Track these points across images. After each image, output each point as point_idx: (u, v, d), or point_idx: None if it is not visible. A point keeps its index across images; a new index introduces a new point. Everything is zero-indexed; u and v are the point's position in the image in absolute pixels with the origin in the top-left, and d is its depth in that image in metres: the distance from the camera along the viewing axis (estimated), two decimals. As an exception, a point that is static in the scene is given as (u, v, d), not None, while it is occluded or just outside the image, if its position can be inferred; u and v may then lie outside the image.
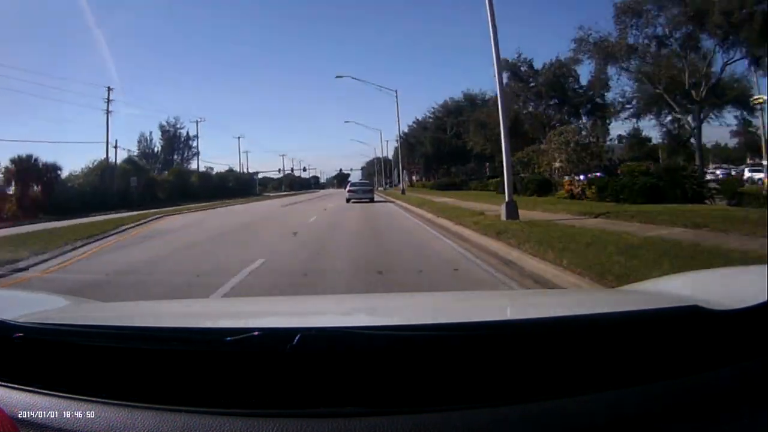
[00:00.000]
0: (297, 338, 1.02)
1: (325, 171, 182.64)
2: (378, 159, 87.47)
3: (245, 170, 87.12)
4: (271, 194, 79.25)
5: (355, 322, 1.59)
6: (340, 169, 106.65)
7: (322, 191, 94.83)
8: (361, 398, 1.01)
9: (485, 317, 1.57)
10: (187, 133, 69.68)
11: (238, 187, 69.10)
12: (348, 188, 33.23)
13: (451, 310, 1.82)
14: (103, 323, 1.46)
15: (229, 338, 1.06)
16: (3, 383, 1.12)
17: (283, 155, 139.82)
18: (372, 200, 30.80)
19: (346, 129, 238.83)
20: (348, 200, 30.07)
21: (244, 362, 1.07)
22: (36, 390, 1.09)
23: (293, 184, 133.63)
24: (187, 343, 1.14)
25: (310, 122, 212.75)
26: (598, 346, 1.10)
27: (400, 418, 0.96)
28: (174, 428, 0.98)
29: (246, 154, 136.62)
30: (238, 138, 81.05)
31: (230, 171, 76.86)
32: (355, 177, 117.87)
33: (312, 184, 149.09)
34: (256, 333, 1.06)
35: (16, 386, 1.10)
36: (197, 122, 68.49)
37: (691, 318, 1.12)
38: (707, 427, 0.99)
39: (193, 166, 68.83)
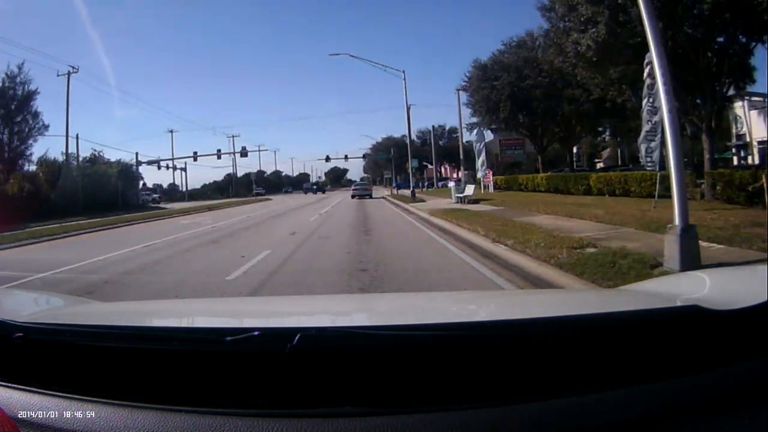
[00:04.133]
0: (297, 338, 1.02)
1: (320, 168, 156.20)
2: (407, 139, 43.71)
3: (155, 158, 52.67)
4: (177, 207, 37.97)
5: (355, 322, 1.60)
6: (327, 156, 67.51)
7: (279, 201, 44.43)
8: (361, 398, 1.01)
9: (485, 317, 1.57)
10: (24, 90, 33.70)
11: (56, 192, 30.91)
12: (353, 188, 42.32)
13: (450, 310, 1.82)
14: (103, 323, 1.47)
15: (229, 338, 1.06)
16: (3, 383, 1.12)
17: (233, 136, 74.30)
18: (370, 196, 37.42)
19: (345, 124, 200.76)
20: (353, 196, 37.48)
21: (244, 362, 1.07)
22: (36, 390, 1.09)
23: (260, 183, 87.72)
24: (186, 343, 1.15)
25: (299, 112, 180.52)
26: (598, 345, 1.10)
27: (399, 418, 0.96)
28: (174, 428, 0.98)
29: (171, 135, 72.33)
30: (68, 74, 35.90)
31: (106, 162, 40.21)
32: (353, 174, 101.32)
33: (299, 184, 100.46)
34: (255, 333, 1.06)
35: (16, 386, 1.11)
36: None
37: (691, 318, 1.12)
38: (707, 427, 0.99)
39: (38, 151, 37.76)
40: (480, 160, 25.36)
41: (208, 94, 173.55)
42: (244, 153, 67.92)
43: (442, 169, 62.82)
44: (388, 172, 66.57)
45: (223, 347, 1.07)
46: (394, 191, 44.52)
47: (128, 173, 44.36)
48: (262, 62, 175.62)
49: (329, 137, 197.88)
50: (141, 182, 52.79)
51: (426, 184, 49.17)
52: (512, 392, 1.02)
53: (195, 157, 63.26)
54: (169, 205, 45.18)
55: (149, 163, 55.74)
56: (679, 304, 1.28)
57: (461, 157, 45.15)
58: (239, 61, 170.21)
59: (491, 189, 22.22)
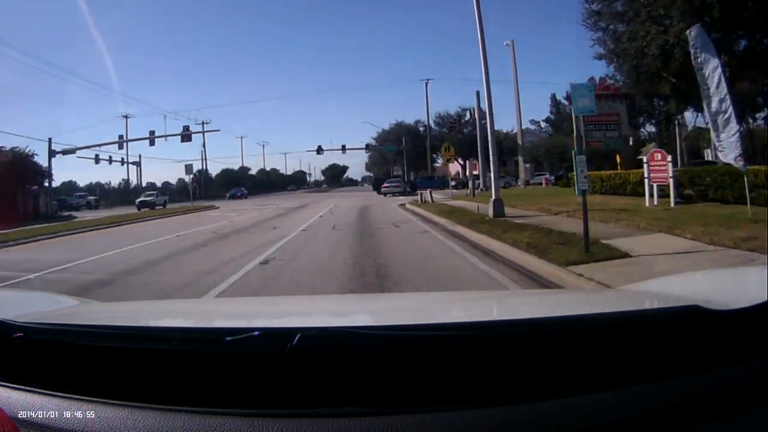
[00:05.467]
0: (297, 338, 1.02)
1: (318, 164, 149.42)
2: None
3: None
4: (86, 219, 26.07)
5: (355, 322, 1.59)
6: (319, 147, 56.00)
7: (219, 214, 25.29)
8: (360, 398, 1.01)
9: (485, 317, 1.57)
10: None
11: None
12: (384, 185, 41.98)
13: (450, 310, 1.82)
14: (102, 323, 1.47)
15: (229, 338, 1.06)
16: (3, 383, 1.12)
17: (203, 122, 55.97)
18: (402, 193, 37.16)
19: (344, 112, 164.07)
20: (385, 194, 38.44)
21: (244, 362, 1.07)
22: (36, 390, 1.09)
23: (239, 183, 68.52)
24: (186, 343, 1.15)
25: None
26: (598, 346, 1.10)
27: (399, 418, 0.96)
28: (174, 428, 0.98)
29: (126, 120, 55.78)
30: None
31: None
32: (353, 172, 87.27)
33: (291, 182, 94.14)
34: (255, 333, 1.06)
35: (16, 386, 1.11)
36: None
37: (691, 318, 1.12)
38: (707, 427, 0.99)
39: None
40: (713, 88, 8.46)
41: (177, 78, 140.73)
42: (186, 136, 47.17)
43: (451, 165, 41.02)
44: (398, 168, 52.28)
45: (223, 347, 1.07)
46: (426, 196, 22.16)
47: (15, 167, 30.28)
48: (242, 38, 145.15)
49: (326, 131, 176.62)
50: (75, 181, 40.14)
51: (453, 184, 33.05)
52: (512, 392, 1.02)
53: (120, 143, 48.51)
54: (91, 215, 32.53)
55: (64, 152, 41.06)
56: (679, 304, 1.28)
57: (520, 142, 29.73)
58: (208, 36, 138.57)
59: (673, 197, 11.75)
